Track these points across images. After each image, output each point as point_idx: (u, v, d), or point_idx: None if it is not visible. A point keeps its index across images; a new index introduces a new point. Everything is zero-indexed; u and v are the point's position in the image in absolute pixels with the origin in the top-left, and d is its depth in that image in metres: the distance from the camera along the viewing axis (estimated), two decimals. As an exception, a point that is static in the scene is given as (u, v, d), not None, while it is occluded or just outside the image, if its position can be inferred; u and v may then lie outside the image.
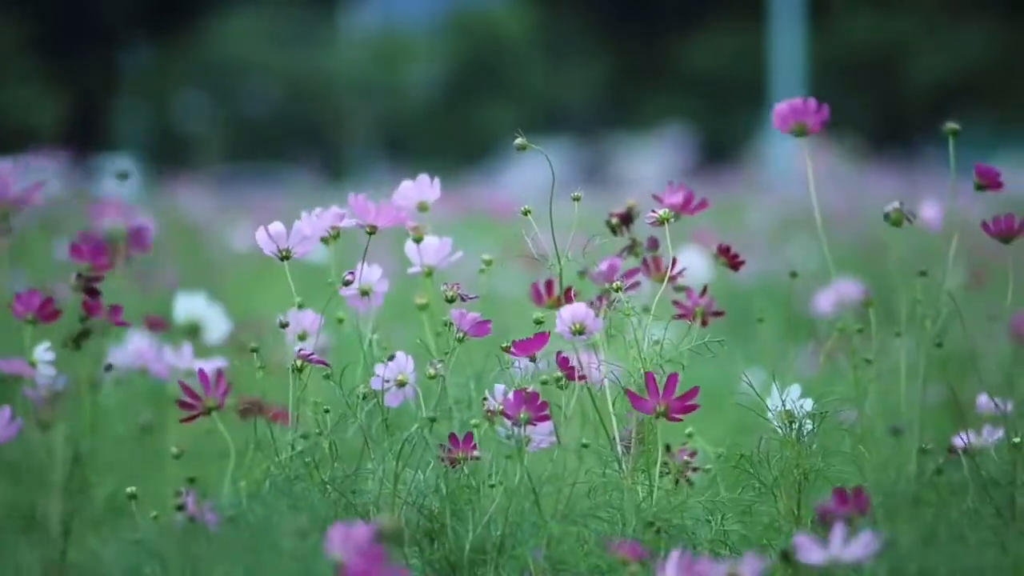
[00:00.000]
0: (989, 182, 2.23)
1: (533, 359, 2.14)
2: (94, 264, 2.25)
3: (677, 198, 2.29)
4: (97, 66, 31.89)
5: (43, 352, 2.24)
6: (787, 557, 2.03)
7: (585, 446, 2.19)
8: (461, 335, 2.16)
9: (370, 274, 2.25)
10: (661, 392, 2.09)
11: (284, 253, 2.20)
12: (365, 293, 2.24)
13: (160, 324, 3.16)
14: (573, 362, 2.15)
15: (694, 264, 2.33)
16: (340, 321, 2.28)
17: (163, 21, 32.66)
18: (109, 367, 2.35)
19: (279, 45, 31.87)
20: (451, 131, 31.39)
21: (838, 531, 1.82)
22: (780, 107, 2.29)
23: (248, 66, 31.88)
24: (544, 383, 2.13)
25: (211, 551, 1.87)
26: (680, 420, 2.10)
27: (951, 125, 2.22)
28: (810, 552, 1.81)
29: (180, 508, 2.04)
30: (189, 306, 3.15)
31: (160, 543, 1.91)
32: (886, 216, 2.27)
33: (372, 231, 2.24)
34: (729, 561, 1.87)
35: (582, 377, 2.15)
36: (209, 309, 3.17)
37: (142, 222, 2.42)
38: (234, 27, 32.22)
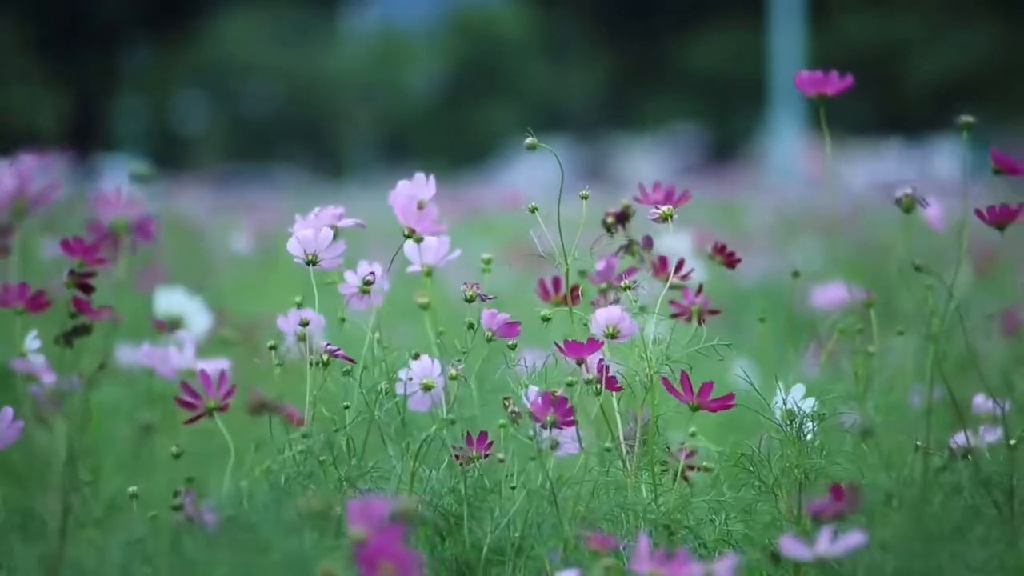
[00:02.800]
0: (1006, 167, 2.21)
1: (580, 362, 2.14)
2: (86, 260, 2.24)
3: (659, 194, 2.30)
4: (97, 66, 31.89)
5: (31, 340, 2.23)
6: (775, 557, 2.03)
7: (608, 450, 2.18)
8: (490, 335, 2.17)
9: (367, 270, 2.24)
10: (696, 392, 2.11)
11: (311, 258, 2.22)
12: (365, 291, 2.23)
13: (160, 324, 3.15)
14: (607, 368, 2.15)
15: (678, 249, 2.34)
16: (342, 320, 2.27)
17: (163, 21, 32.66)
18: (102, 365, 2.33)
19: (279, 45, 31.87)
20: (451, 131, 31.40)
21: (826, 529, 1.83)
22: (802, 75, 2.31)
23: (248, 66, 31.88)
24: (570, 385, 2.12)
25: (206, 551, 1.87)
26: (714, 412, 2.12)
27: (965, 118, 2.20)
28: (797, 549, 1.82)
29: (178, 508, 2.03)
30: (169, 300, 3.13)
31: (155, 543, 1.90)
32: (897, 201, 2.25)
33: (411, 235, 2.25)
34: (707, 561, 1.87)
35: (619, 388, 2.15)
36: (190, 303, 3.15)
37: (146, 213, 2.40)
38: (234, 27, 32.22)
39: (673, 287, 2.31)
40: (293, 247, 2.22)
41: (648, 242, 2.40)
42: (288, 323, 2.19)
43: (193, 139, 31.68)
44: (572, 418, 2.10)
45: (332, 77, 31.61)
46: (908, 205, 2.24)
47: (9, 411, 2.14)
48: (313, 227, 2.23)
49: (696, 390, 2.12)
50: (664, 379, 2.12)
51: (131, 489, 2.16)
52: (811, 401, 2.16)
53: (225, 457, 2.13)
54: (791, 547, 1.82)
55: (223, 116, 32.35)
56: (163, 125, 32.32)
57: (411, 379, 2.14)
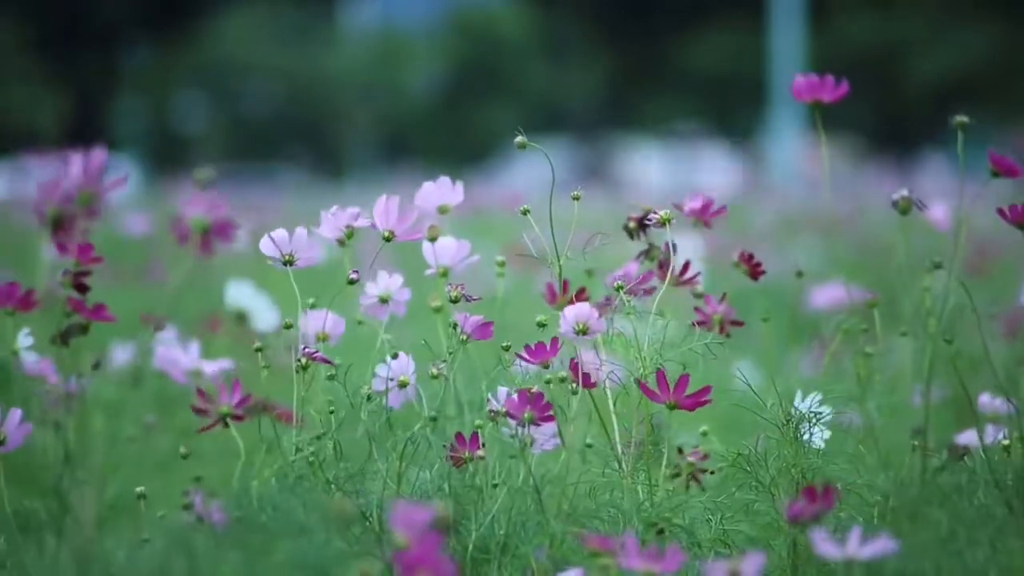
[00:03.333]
0: (1004, 170, 2.20)
1: (546, 366, 2.14)
2: (81, 260, 2.23)
3: (696, 203, 2.28)
4: (97, 66, 31.89)
5: (24, 337, 2.23)
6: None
7: (589, 446, 2.19)
8: (465, 337, 2.16)
9: (391, 282, 2.22)
10: (672, 389, 2.10)
11: (287, 258, 2.18)
12: (385, 300, 2.21)
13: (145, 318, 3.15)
14: (582, 365, 2.14)
15: (688, 252, 2.34)
16: (360, 323, 2.25)
17: (163, 21, 32.66)
18: (97, 364, 2.33)
19: (279, 45, 31.86)
20: (451, 131, 31.39)
21: (855, 532, 1.83)
22: (799, 81, 2.30)
23: (248, 66, 31.87)
24: (548, 382, 2.13)
25: (215, 551, 1.87)
26: (691, 410, 2.11)
27: (960, 118, 2.19)
28: (830, 549, 1.82)
29: (187, 507, 2.04)
30: (237, 294, 3.10)
31: (175, 542, 1.90)
32: (894, 204, 2.25)
33: (389, 238, 2.20)
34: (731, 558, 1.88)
35: (592, 384, 2.15)
36: (258, 298, 3.12)
37: (228, 215, 2.37)
38: (234, 27, 32.21)
39: (697, 295, 2.31)
40: (267, 246, 2.18)
41: (672, 248, 2.36)
42: (306, 324, 2.17)
43: (193, 139, 31.67)
44: (549, 414, 2.10)
45: (332, 77, 31.60)
46: (905, 207, 2.25)
47: (18, 412, 2.13)
48: (333, 227, 2.21)
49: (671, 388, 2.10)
50: (639, 380, 2.11)
51: (139, 489, 2.16)
52: (810, 402, 2.16)
53: (226, 456, 2.13)
54: (824, 546, 1.82)
55: (223, 116, 32.35)
56: (163, 125, 32.32)
57: (390, 378, 2.14)
